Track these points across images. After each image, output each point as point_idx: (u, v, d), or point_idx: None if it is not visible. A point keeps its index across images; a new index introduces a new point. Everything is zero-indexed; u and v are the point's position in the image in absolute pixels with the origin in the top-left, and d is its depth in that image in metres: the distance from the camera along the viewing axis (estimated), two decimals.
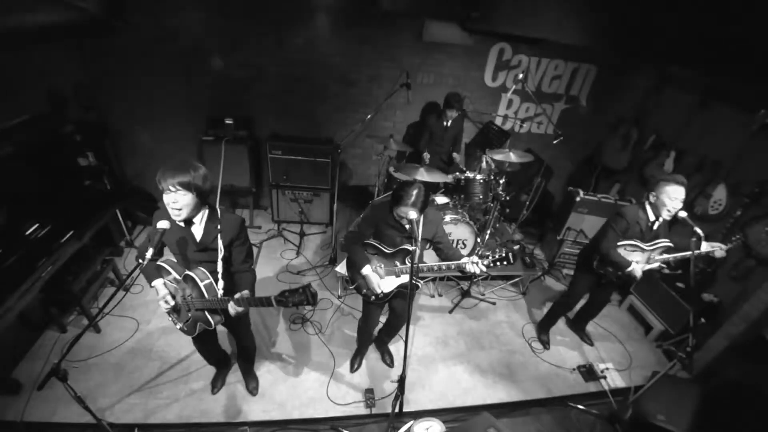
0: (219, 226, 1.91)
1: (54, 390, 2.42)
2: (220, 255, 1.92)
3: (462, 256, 2.27)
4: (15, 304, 2.44)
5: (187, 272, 1.91)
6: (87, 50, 3.66)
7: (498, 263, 2.14)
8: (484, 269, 2.17)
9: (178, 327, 2.13)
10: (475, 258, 2.18)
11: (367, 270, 2.34)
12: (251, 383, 2.76)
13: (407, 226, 2.28)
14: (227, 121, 4.04)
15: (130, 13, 3.52)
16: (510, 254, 2.13)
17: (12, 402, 2.49)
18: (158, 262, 1.96)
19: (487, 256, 2.17)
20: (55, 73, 3.51)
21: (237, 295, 1.88)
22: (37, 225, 2.81)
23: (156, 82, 3.92)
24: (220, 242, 1.91)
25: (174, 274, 1.96)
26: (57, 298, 2.91)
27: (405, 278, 2.42)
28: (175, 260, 2.00)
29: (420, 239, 2.32)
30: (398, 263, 2.40)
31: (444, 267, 2.30)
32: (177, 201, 1.74)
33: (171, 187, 1.70)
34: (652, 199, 2.56)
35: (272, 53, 3.98)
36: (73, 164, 3.54)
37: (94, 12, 3.10)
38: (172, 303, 1.97)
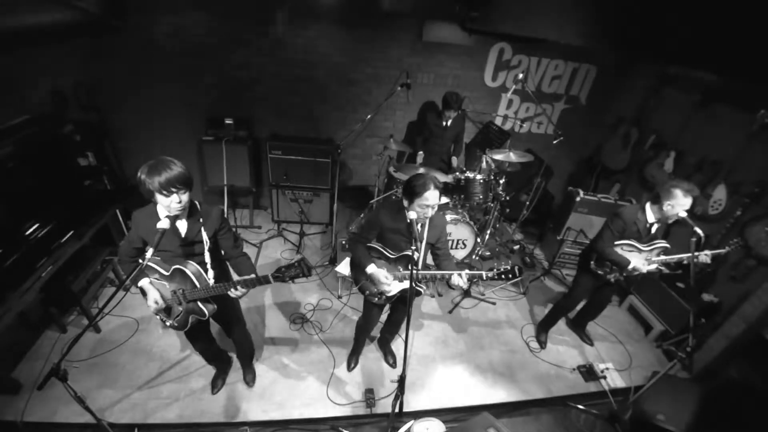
0: (201, 219, 1.94)
1: (54, 390, 2.42)
2: (206, 247, 1.96)
3: (455, 268, 2.27)
4: (15, 304, 2.45)
5: (176, 266, 1.92)
6: (87, 50, 3.66)
7: (503, 276, 2.11)
8: (466, 285, 2.22)
9: (167, 324, 2.13)
10: (465, 271, 2.19)
11: (371, 268, 2.29)
12: (248, 375, 2.82)
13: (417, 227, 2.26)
14: (227, 121, 4.04)
15: (130, 13, 3.53)
16: (516, 268, 2.09)
17: (12, 402, 2.49)
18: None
19: (493, 268, 2.15)
20: (55, 73, 3.51)
21: (236, 279, 1.93)
22: (37, 225, 2.81)
23: (156, 82, 3.93)
24: (204, 235, 1.94)
25: (160, 271, 1.97)
26: (57, 298, 2.90)
27: (408, 284, 2.40)
28: (159, 258, 1.99)
29: (425, 243, 2.29)
30: (401, 268, 2.36)
31: (438, 276, 2.30)
32: (181, 201, 1.75)
33: (173, 188, 1.70)
34: (666, 208, 2.49)
35: (272, 53, 3.98)
36: (73, 164, 3.54)
37: (94, 12, 3.11)
38: (163, 305, 1.99)
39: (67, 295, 2.88)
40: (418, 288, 2.36)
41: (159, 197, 1.72)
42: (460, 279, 2.18)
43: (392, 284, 2.37)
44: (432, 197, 2.05)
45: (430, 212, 2.12)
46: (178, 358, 2.94)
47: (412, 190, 2.08)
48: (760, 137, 3.19)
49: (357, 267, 2.42)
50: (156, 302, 1.97)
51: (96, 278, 3.25)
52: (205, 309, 2.02)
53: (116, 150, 4.20)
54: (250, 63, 4.00)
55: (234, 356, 2.85)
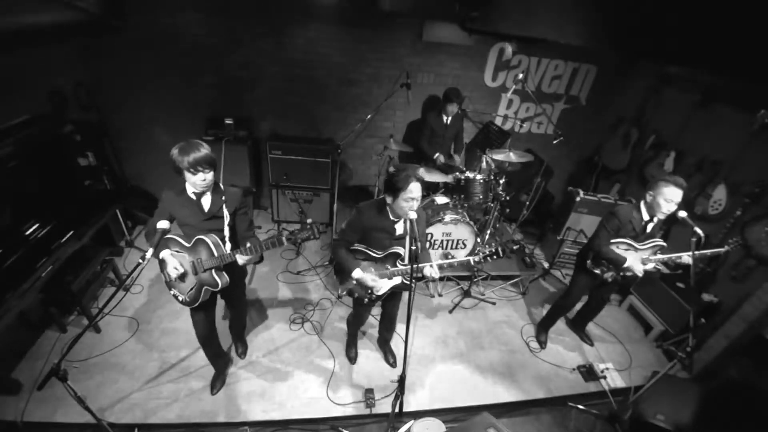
0: (224, 197, 2.15)
1: (54, 390, 2.43)
2: (226, 221, 2.16)
3: (429, 259, 2.32)
4: (15, 304, 2.44)
5: (198, 237, 2.09)
6: (87, 50, 3.66)
7: (489, 258, 2.22)
8: (437, 276, 2.26)
9: (180, 299, 2.24)
10: (438, 261, 2.28)
11: (358, 273, 2.28)
12: (240, 347, 3.00)
13: (397, 226, 2.28)
14: (227, 121, 4.04)
15: (130, 13, 3.53)
16: (500, 248, 2.21)
17: (12, 402, 2.48)
18: (167, 236, 2.14)
19: (479, 252, 2.24)
20: (55, 73, 3.50)
21: (248, 244, 2.09)
22: (37, 225, 2.81)
23: (156, 82, 3.92)
24: (225, 211, 2.14)
25: (182, 243, 2.14)
26: (57, 298, 2.90)
27: (397, 280, 2.41)
28: (182, 233, 2.17)
29: (409, 237, 2.28)
30: (389, 266, 2.36)
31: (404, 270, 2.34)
32: (206, 179, 1.98)
33: (199, 167, 1.92)
34: (648, 198, 2.53)
35: (272, 53, 3.98)
36: (73, 164, 3.54)
37: (94, 12, 3.10)
38: (182, 270, 2.12)
39: (67, 295, 2.88)
40: (407, 282, 2.39)
41: (187, 174, 1.95)
42: (432, 270, 2.24)
43: (381, 283, 2.37)
44: (416, 189, 2.07)
45: (415, 205, 2.13)
46: (178, 358, 2.94)
47: (395, 186, 2.08)
48: (760, 137, 3.19)
49: (342, 271, 2.41)
50: (176, 268, 2.11)
51: (96, 278, 3.25)
52: (219, 280, 2.16)
53: (116, 150, 4.20)
54: (250, 63, 4.00)
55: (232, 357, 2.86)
